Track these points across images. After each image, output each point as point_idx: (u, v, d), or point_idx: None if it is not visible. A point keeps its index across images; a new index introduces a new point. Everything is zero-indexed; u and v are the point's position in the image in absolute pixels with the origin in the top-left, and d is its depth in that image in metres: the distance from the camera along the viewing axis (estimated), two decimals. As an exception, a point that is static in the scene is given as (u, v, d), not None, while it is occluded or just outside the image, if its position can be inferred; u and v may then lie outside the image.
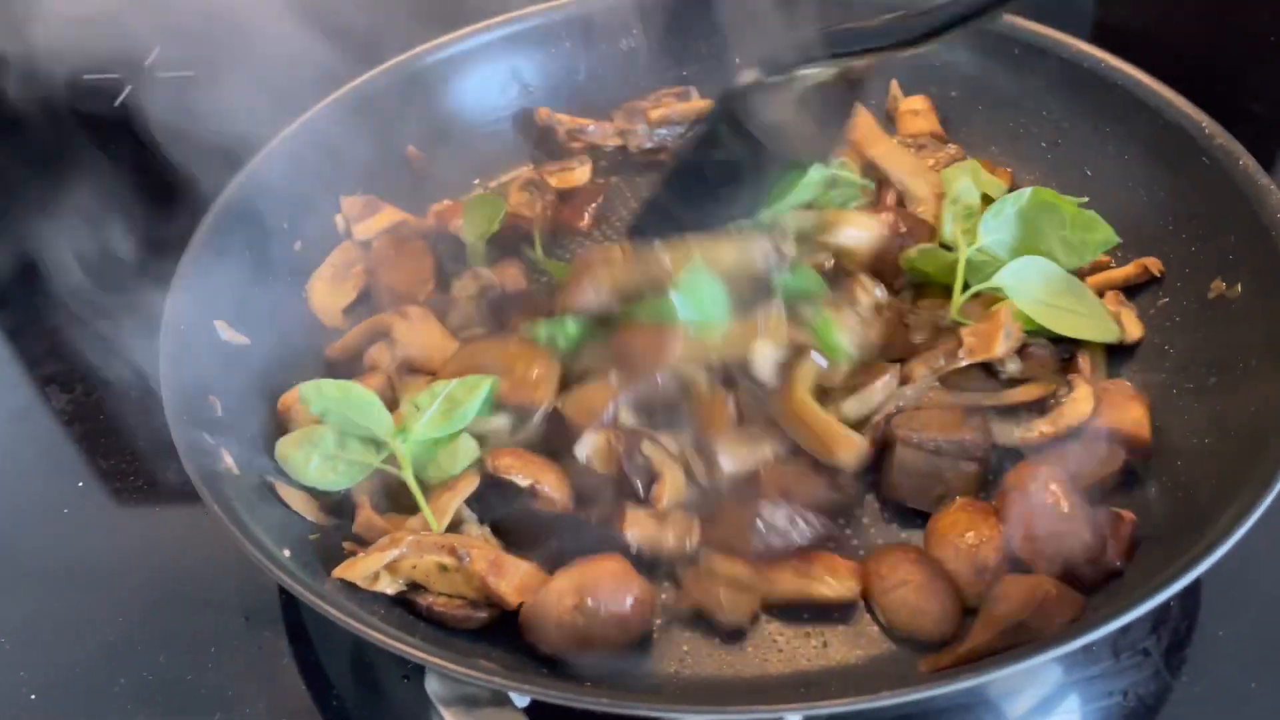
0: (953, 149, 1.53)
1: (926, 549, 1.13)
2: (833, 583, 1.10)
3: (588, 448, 1.17)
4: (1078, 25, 1.55)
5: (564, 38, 1.66)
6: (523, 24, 1.64)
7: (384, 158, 1.57)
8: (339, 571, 1.09)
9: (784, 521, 1.10)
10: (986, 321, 1.25)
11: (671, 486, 1.15)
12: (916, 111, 1.60)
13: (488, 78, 1.64)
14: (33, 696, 1.15)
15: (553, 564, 1.10)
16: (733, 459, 1.17)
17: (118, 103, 1.92)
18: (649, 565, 1.13)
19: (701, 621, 1.11)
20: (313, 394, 1.19)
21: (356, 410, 1.18)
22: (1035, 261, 1.31)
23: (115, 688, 1.15)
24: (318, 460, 1.20)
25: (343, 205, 1.52)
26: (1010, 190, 1.44)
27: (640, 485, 1.14)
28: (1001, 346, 1.23)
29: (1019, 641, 1.00)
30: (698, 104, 1.66)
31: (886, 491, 1.20)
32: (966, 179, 1.41)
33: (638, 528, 1.12)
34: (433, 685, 1.05)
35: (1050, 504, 1.08)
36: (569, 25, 1.65)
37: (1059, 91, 1.49)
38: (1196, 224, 1.32)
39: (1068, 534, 1.06)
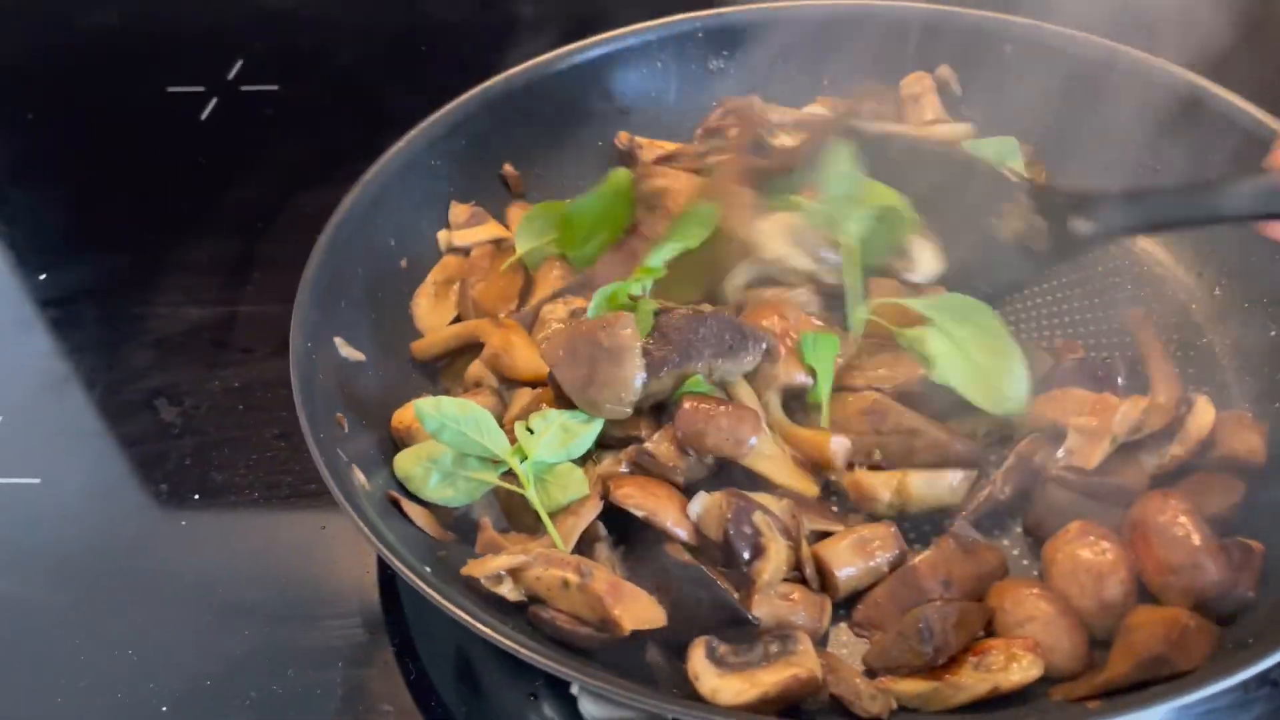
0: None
1: (1047, 579, 1.13)
2: (1019, 668, 1.04)
3: (700, 506, 1.16)
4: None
5: (657, 57, 1.67)
6: (618, 44, 1.65)
7: (481, 175, 1.58)
8: (467, 570, 1.10)
9: (942, 620, 1.06)
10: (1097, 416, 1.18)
11: (773, 566, 1.12)
12: (917, 96, 1.61)
13: (582, 96, 1.65)
14: (164, 709, 1.16)
15: (672, 611, 1.09)
16: (851, 568, 1.15)
17: (204, 116, 1.94)
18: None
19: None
20: (431, 411, 1.18)
21: (474, 428, 1.18)
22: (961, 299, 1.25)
23: (246, 701, 1.16)
24: (437, 476, 1.21)
25: (451, 210, 1.55)
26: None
27: (744, 555, 1.12)
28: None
29: (1156, 674, 1.00)
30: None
31: (1031, 528, 1.20)
32: None
33: (767, 607, 1.10)
34: (588, 707, 1.06)
35: (1182, 536, 1.08)
36: (662, 45, 1.67)
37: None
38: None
39: (1201, 566, 1.06)
